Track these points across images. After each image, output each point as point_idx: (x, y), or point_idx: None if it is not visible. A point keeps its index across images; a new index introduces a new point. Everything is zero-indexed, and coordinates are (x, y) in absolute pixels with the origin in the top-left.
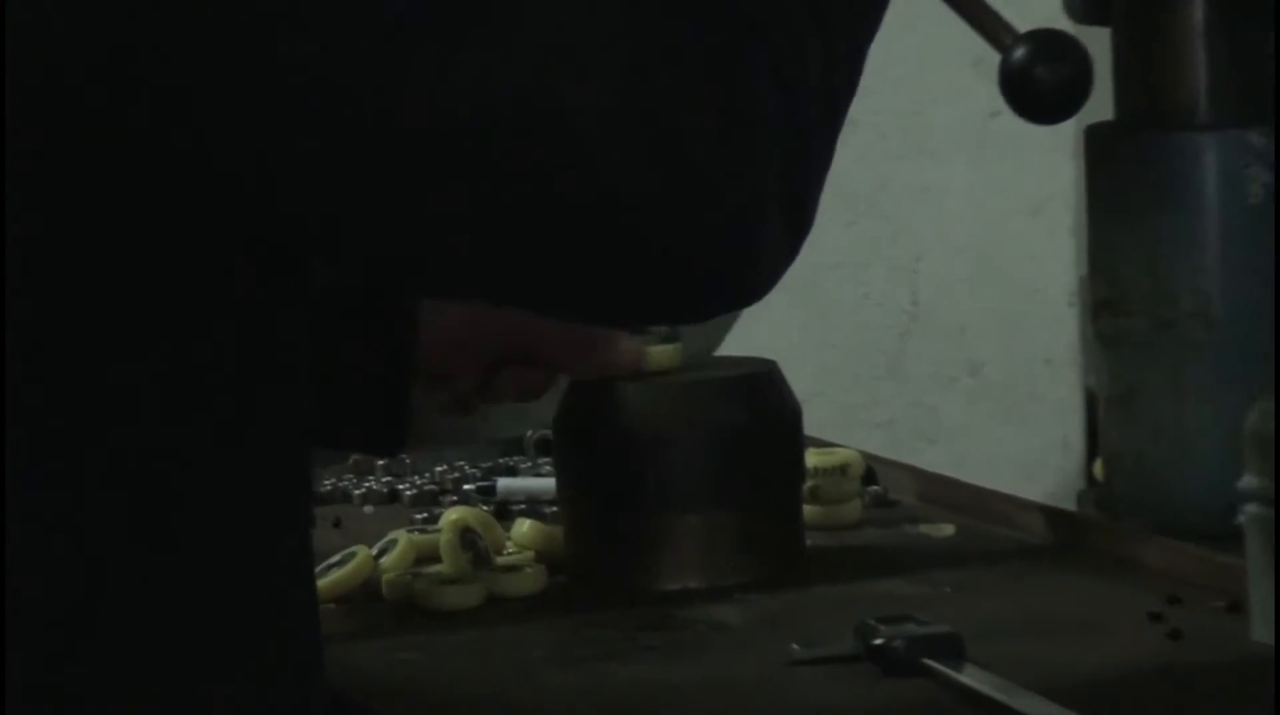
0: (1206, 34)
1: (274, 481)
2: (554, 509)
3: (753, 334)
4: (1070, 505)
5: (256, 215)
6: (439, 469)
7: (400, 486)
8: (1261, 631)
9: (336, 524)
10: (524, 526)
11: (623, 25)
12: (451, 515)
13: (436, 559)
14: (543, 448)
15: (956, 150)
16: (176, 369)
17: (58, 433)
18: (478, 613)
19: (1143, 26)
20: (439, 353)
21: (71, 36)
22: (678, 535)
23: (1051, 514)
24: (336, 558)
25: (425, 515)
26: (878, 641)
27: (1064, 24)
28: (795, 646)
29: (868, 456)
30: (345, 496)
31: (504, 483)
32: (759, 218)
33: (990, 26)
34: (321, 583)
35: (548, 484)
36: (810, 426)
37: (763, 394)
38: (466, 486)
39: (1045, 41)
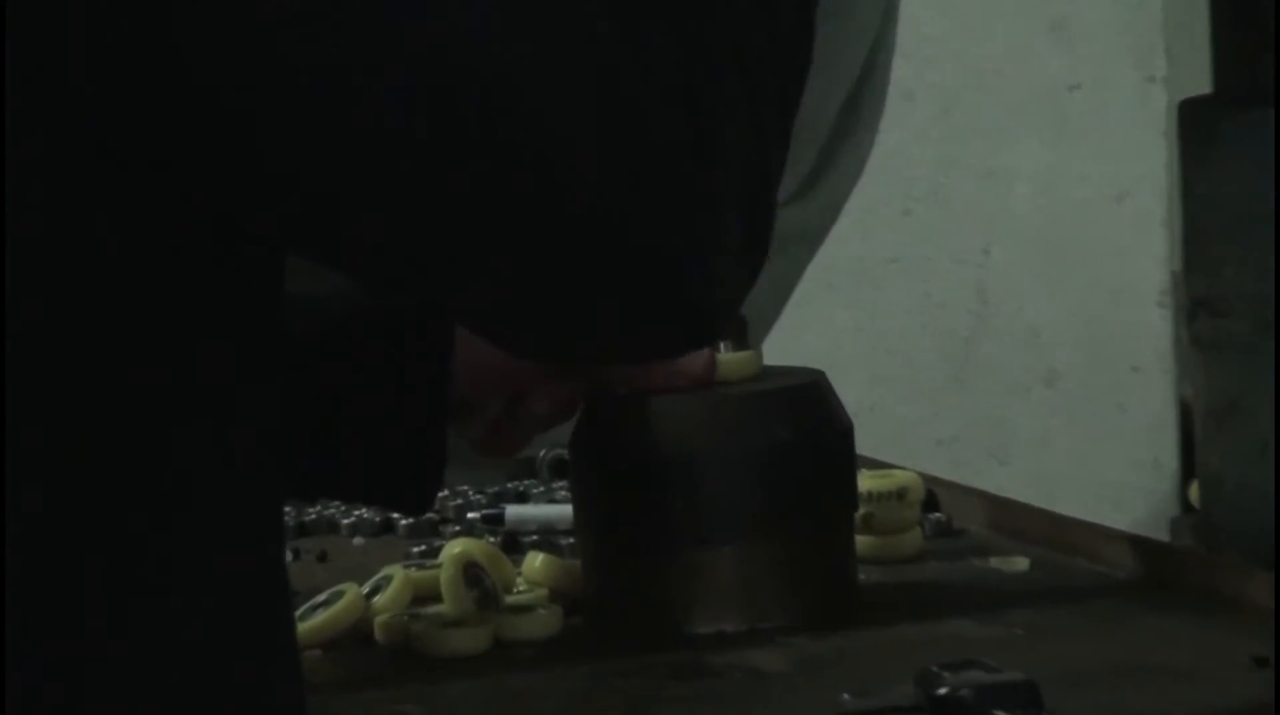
0: None
1: (253, 488)
2: (570, 540)
3: (797, 339)
4: (1162, 535)
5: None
6: (440, 495)
7: (395, 515)
8: None
9: (322, 558)
10: (536, 561)
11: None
12: (454, 548)
13: (437, 598)
14: (558, 470)
15: (1028, 128)
16: (172, 369)
17: (43, 435)
18: (484, 659)
19: None
20: (467, 375)
21: (72, 36)
22: (711, 570)
23: (1140, 545)
24: (323, 597)
25: (423, 548)
26: (941, 691)
27: None
28: (846, 696)
29: (928, 479)
30: (332, 526)
31: (513, 510)
32: (722, 208)
33: None
34: (306, 626)
35: (563, 511)
36: (863, 445)
37: (809, 408)
38: (471, 515)
39: None
